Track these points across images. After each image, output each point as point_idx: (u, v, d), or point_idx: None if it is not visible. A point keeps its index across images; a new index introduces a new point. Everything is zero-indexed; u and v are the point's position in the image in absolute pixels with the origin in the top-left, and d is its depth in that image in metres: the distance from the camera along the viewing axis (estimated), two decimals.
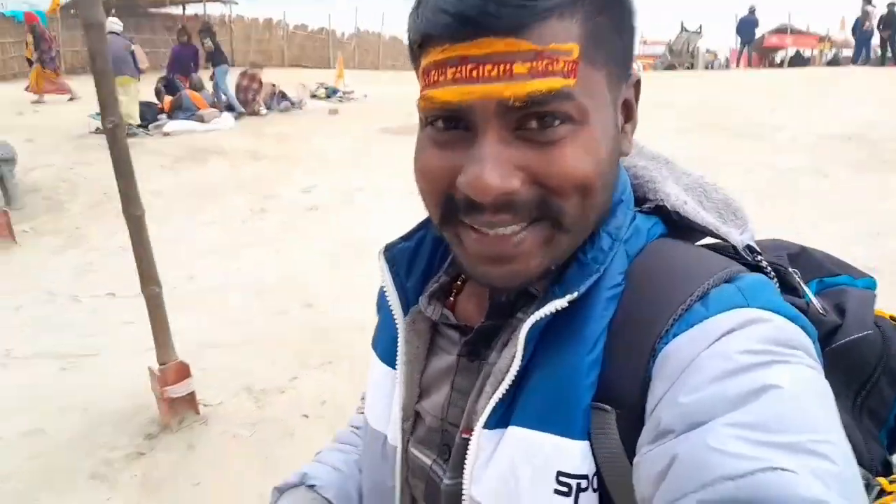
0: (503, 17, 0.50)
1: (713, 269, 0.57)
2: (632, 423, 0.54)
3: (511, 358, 0.59)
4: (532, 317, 0.58)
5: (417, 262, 0.74)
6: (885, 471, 0.67)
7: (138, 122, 10.78)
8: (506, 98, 0.51)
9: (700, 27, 21.74)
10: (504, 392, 0.59)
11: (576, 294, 0.57)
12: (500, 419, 0.60)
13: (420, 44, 0.56)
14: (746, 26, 20.59)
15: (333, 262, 5.27)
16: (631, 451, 0.54)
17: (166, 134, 10.69)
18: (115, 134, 2.73)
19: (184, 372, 3.16)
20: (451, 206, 0.58)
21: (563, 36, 0.52)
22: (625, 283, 0.59)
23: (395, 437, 0.71)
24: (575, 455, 0.56)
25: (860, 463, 0.62)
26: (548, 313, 0.57)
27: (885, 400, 0.67)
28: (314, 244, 5.78)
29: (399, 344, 0.71)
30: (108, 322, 4.51)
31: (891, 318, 0.70)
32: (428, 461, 0.69)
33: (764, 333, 0.51)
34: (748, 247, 0.63)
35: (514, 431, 0.59)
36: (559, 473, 0.56)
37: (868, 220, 5.54)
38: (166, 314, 3.15)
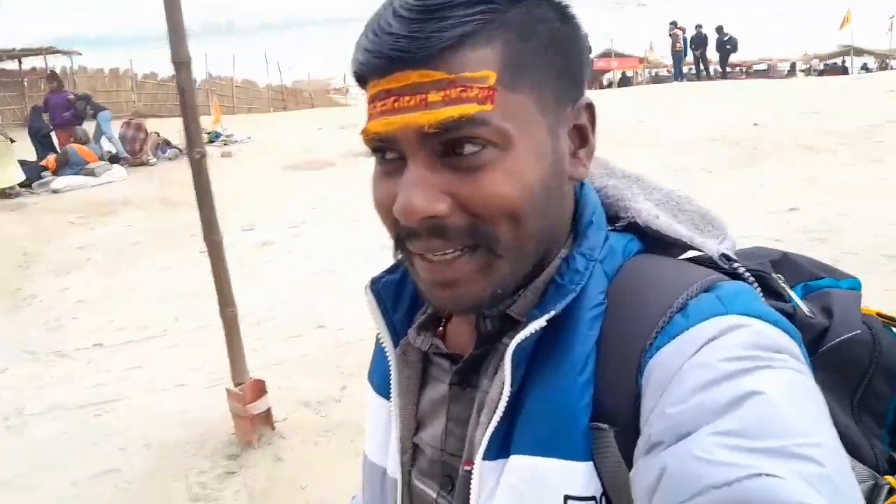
0: (414, 51, 0.52)
1: (691, 280, 0.58)
2: (629, 438, 0.54)
3: (501, 385, 0.59)
4: (515, 339, 0.58)
5: (404, 294, 0.74)
6: (893, 469, 0.66)
7: (20, 180, 10.17)
8: (421, 125, 0.53)
9: None
10: (498, 421, 0.59)
11: (552, 313, 0.57)
12: (500, 448, 0.60)
13: (359, 82, 0.59)
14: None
15: (318, 288, 5.45)
16: (631, 467, 0.54)
17: (55, 191, 10.17)
18: (199, 164, 2.90)
19: (261, 389, 3.30)
20: (398, 237, 0.60)
21: (477, 64, 0.53)
22: (606, 302, 0.59)
23: (394, 470, 0.71)
24: (581, 477, 0.56)
25: (865, 462, 0.64)
26: (529, 334, 0.58)
27: (882, 397, 0.67)
28: (289, 273, 5.92)
29: (392, 376, 0.71)
30: (111, 370, 4.43)
31: (877, 314, 0.70)
32: (433, 493, 0.68)
33: (745, 339, 0.51)
34: (724, 255, 0.63)
35: (516, 460, 0.59)
36: (567, 497, 0.56)
37: (754, 202, 6.57)
38: (240, 335, 3.28)
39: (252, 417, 3.26)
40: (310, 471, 3.16)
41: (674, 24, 20.81)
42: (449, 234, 0.55)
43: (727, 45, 20.22)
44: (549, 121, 0.58)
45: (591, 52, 0.54)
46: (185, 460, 3.29)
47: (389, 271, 0.74)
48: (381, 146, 0.58)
